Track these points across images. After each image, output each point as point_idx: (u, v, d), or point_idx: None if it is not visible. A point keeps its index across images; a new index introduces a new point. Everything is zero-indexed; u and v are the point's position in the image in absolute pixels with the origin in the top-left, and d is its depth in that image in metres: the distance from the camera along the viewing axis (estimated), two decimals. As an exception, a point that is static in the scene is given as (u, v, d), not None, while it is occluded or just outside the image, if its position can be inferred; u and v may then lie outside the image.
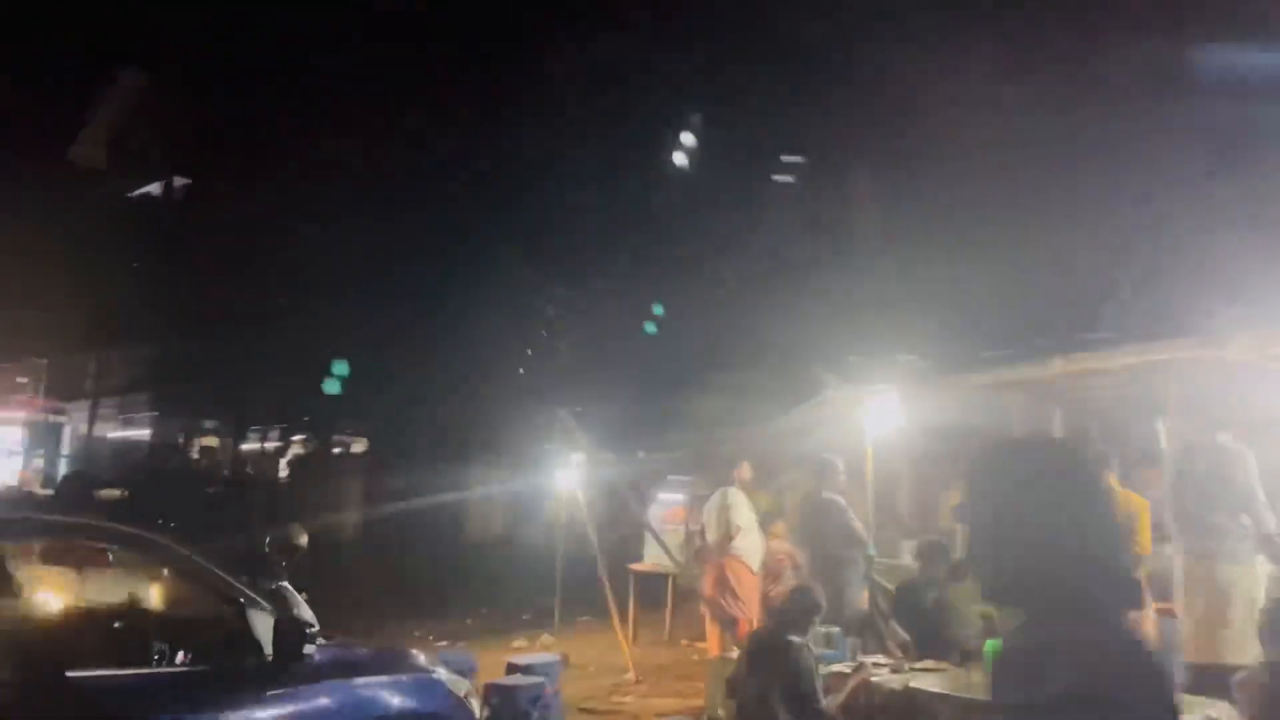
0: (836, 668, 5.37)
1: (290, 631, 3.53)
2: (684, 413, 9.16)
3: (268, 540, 7.29)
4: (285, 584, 7.18)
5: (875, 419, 8.09)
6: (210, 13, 18.62)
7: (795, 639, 5.00)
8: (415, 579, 12.99)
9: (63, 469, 21.12)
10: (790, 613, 5.18)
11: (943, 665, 5.51)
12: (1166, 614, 6.35)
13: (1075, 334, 6.74)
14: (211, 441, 19.90)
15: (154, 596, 4.21)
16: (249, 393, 20.49)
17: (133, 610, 3.92)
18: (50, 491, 18.99)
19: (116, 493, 17.22)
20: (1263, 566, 6.09)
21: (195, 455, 21.60)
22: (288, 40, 18.25)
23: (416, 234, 17.72)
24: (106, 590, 4.10)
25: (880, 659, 5.64)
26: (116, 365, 21.01)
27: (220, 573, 3.92)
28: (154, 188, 20.59)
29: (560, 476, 9.81)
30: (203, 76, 20.24)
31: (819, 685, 4.94)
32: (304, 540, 7.60)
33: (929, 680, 5.16)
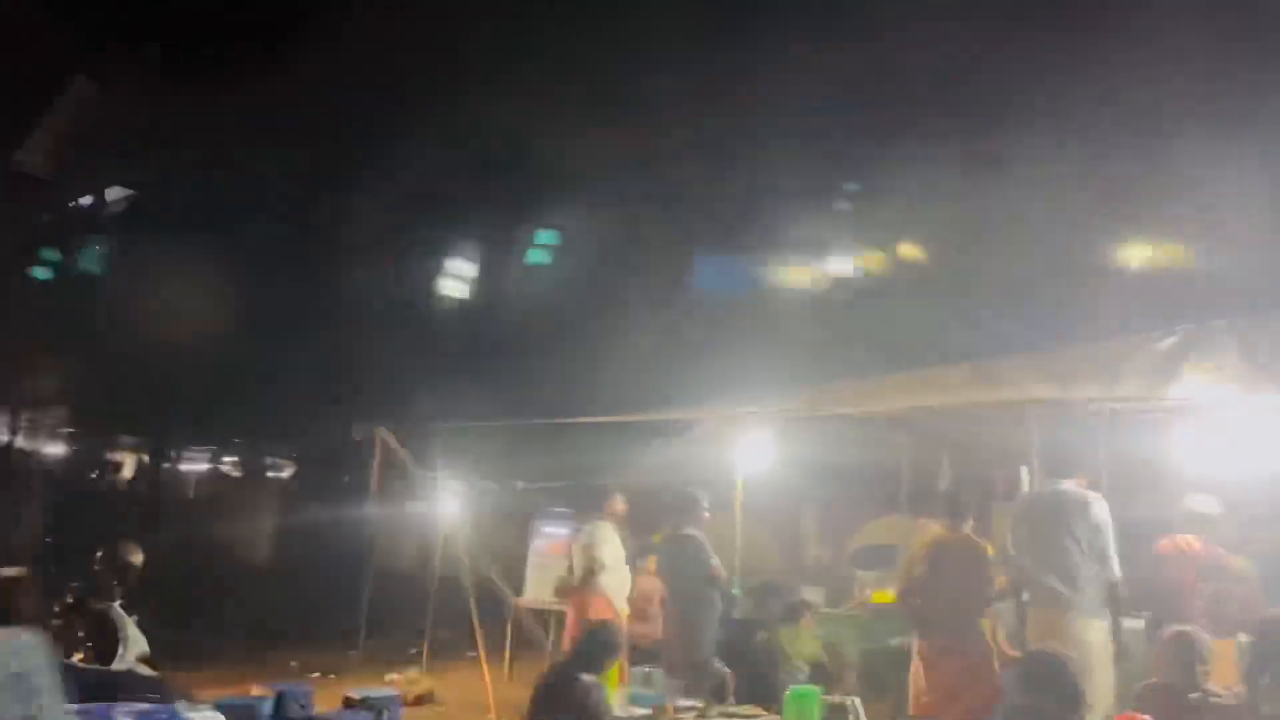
0: (638, 711, 5.08)
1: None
2: (566, 444, 8.88)
3: (97, 558, 6.96)
4: (116, 605, 6.83)
5: (747, 453, 7.88)
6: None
7: (586, 678, 4.70)
8: (312, 608, 12.55)
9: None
10: (584, 650, 4.89)
11: (754, 711, 5.23)
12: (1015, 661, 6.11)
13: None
14: (130, 458, 19.42)
15: None
16: (176, 410, 20.02)
17: None
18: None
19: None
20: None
21: (117, 473, 21.13)
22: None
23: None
24: None
25: (694, 703, 5.35)
26: (37, 376, 20.49)
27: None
28: (89, 198, 20.23)
29: (448, 506, 9.51)
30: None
31: (609, 728, 4.65)
32: (138, 559, 7.26)
33: (729, 727, 4.87)
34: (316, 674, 10.41)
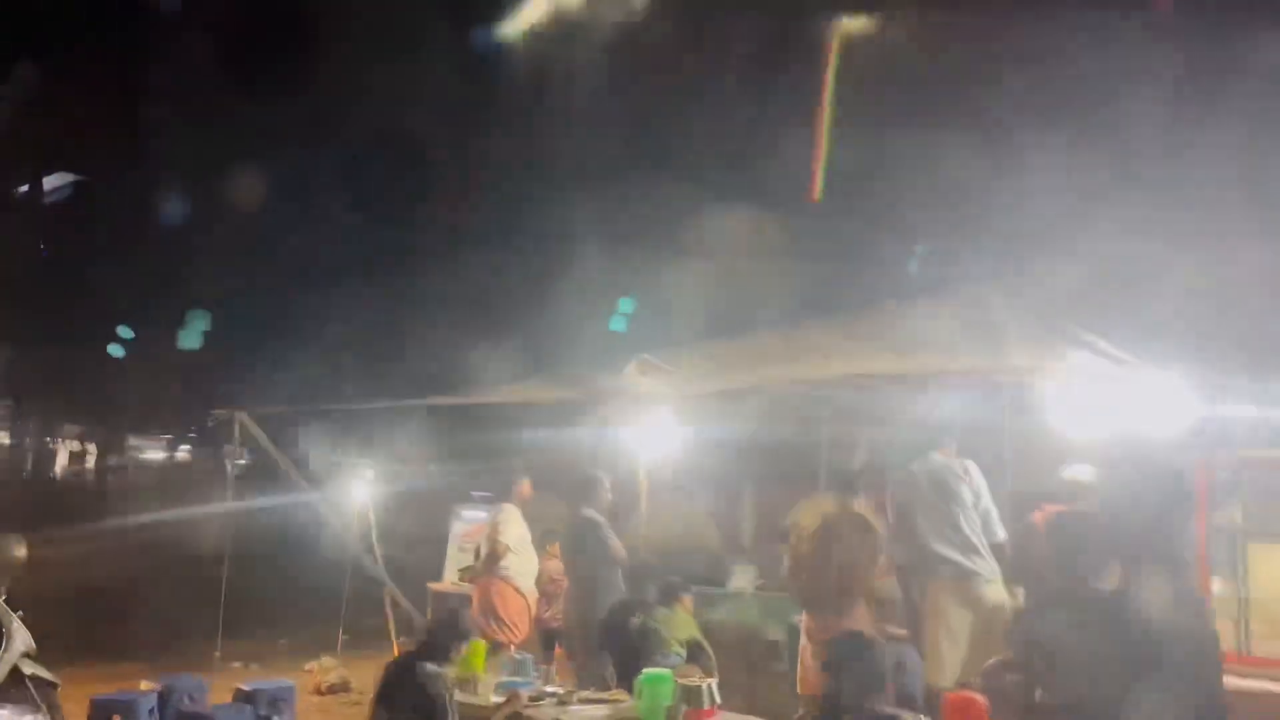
0: (492, 699, 4.95)
1: None
2: (476, 425, 8.72)
3: (-23, 552, 6.80)
4: (-1, 600, 6.66)
5: (652, 432, 7.72)
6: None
7: (430, 667, 4.55)
8: (243, 597, 12.38)
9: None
10: (431, 638, 4.74)
11: (619, 696, 5.10)
12: (902, 640, 6.01)
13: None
14: (75, 447, 19.15)
15: None
16: (128, 399, 19.76)
17: None
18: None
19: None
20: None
21: (74, 462, 20.87)
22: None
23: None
24: None
25: (556, 689, 5.22)
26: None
27: None
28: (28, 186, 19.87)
29: (362, 490, 9.40)
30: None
31: (454, 718, 4.49)
32: (21, 553, 7.10)
33: (582, 715, 4.74)
34: (238, 663, 10.28)
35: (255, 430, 7.27)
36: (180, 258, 19.49)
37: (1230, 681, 4.69)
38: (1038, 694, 2.88)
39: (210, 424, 8.24)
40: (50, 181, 18.57)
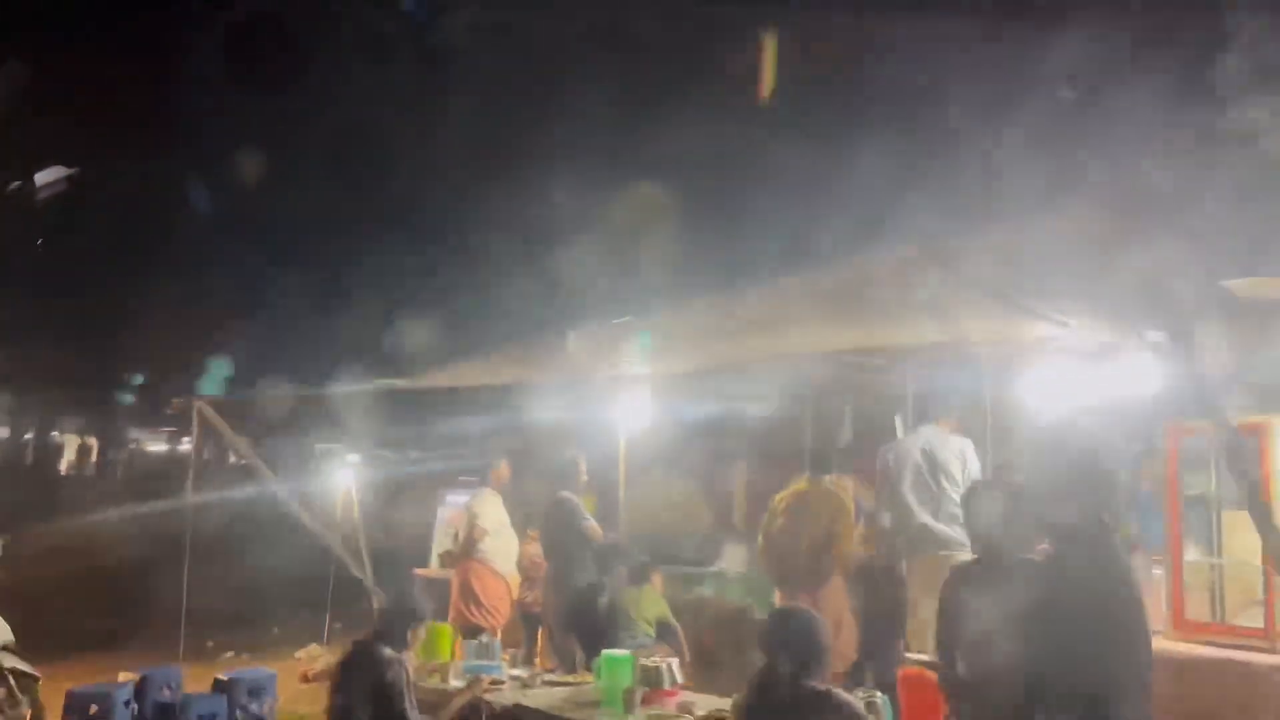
0: (454, 683, 4.89)
1: None
2: (454, 408, 8.62)
3: (-44, 546, 6.83)
4: (-23, 593, 6.67)
5: (629, 408, 7.63)
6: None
7: (386, 651, 4.49)
8: (236, 587, 12.39)
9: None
10: (383, 621, 4.67)
11: (583, 678, 5.04)
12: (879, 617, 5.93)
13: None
14: (75, 440, 19.21)
15: None
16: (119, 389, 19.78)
17: None
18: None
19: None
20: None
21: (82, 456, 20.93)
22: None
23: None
24: None
25: (520, 673, 5.16)
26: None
27: None
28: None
29: (345, 478, 9.37)
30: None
31: (411, 702, 4.43)
32: (-4, 548, 7.11)
33: (541, 697, 4.68)
34: (230, 653, 10.32)
35: (216, 420, 7.18)
36: (176, 251, 19.47)
37: (1205, 651, 4.63)
38: (960, 667, 2.80)
39: (167, 413, 8.14)
40: (44, 175, 18.58)
